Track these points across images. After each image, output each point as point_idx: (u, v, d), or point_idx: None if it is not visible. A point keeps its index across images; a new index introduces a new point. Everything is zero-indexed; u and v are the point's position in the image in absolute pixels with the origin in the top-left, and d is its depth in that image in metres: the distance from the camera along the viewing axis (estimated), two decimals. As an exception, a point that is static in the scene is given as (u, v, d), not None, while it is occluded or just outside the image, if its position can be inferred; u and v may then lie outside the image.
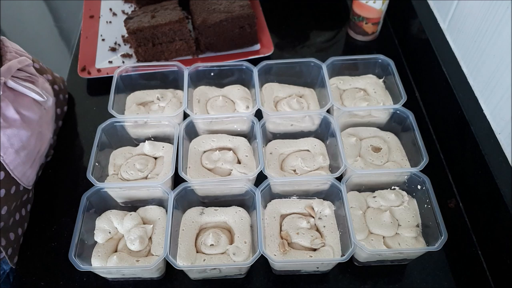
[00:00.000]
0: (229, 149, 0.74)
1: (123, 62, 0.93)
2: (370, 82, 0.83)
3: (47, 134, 0.73)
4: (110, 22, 1.02)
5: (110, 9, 1.05)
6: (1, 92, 0.60)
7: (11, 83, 0.63)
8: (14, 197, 0.66)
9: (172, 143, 0.73)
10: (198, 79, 0.83)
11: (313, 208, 0.68)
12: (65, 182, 0.76)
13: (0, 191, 0.62)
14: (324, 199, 0.69)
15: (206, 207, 0.69)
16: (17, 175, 0.65)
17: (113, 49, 0.96)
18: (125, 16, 0.99)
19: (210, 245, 0.63)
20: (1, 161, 0.62)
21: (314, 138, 0.76)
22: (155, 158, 0.75)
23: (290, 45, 1.00)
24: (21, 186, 0.68)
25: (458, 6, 0.78)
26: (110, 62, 0.93)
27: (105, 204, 0.69)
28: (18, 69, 0.65)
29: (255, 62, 0.83)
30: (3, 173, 0.63)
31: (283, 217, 0.68)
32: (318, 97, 0.82)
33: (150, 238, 0.65)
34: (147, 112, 0.80)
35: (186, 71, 0.80)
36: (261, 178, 0.68)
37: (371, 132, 0.77)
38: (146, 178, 0.71)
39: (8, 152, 0.63)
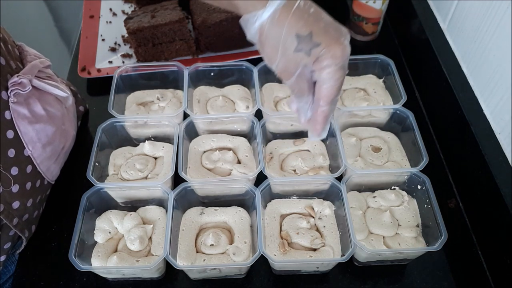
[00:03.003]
0: (229, 149, 0.74)
1: (123, 62, 0.93)
2: (370, 82, 0.83)
3: (71, 132, 0.75)
4: (110, 22, 1.02)
5: (110, 9, 1.05)
6: (30, 88, 0.62)
7: (35, 82, 0.65)
8: (39, 191, 0.68)
9: (172, 143, 0.73)
10: (198, 79, 0.83)
11: (313, 208, 0.68)
12: (65, 182, 0.76)
13: (26, 184, 0.64)
14: (324, 199, 0.69)
15: (206, 207, 0.69)
16: (42, 169, 0.67)
17: (113, 49, 0.96)
18: (125, 16, 0.99)
19: (210, 245, 0.63)
20: (30, 155, 0.65)
21: (314, 138, 0.76)
22: (155, 158, 0.75)
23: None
24: (45, 180, 0.70)
25: (458, 6, 0.78)
26: (110, 62, 0.93)
27: (105, 204, 0.69)
28: (39, 70, 0.67)
29: (255, 62, 0.83)
30: (30, 166, 0.65)
31: (283, 217, 0.68)
32: (318, 97, 0.82)
33: (150, 238, 0.65)
34: (147, 112, 0.80)
35: (186, 71, 0.80)
36: (261, 178, 0.68)
37: (371, 132, 0.77)
38: (146, 178, 0.71)
39: (36, 147, 0.65)
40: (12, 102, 0.61)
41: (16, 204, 0.62)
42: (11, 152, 0.61)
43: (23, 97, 0.63)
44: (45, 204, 0.72)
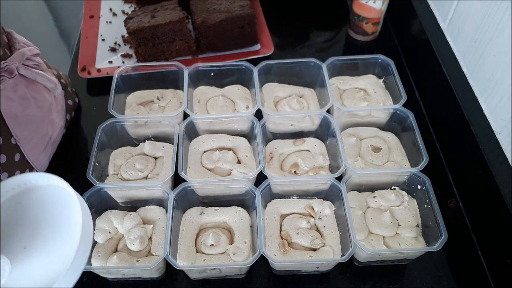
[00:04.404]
0: (229, 149, 0.74)
1: (123, 62, 0.93)
2: (370, 82, 0.83)
3: (59, 123, 0.75)
4: (110, 22, 1.02)
5: (110, 9, 1.05)
6: (16, 75, 0.62)
7: (22, 70, 0.64)
8: None
9: (172, 143, 0.73)
10: (198, 79, 0.83)
11: (313, 208, 0.68)
12: (65, 182, 0.76)
13: (15, 172, 0.64)
14: (324, 199, 0.69)
15: (206, 207, 0.69)
16: (30, 158, 0.67)
17: (113, 49, 0.96)
18: (125, 16, 0.99)
19: (210, 245, 0.63)
20: (17, 143, 0.64)
21: (314, 138, 0.76)
22: (155, 158, 0.75)
23: (290, 45, 1.00)
24: (34, 170, 0.69)
25: (458, 6, 0.78)
26: (110, 62, 0.93)
27: (105, 204, 0.69)
28: (27, 58, 0.67)
29: (255, 62, 0.83)
30: (18, 154, 0.65)
31: (283, 217, 0.68)
32: (318, 97, 0.82)
33: (150, 238, 0.65)
34: (147, 112, 0.80)
35: (186, 71, 0.80)
36: (261, 178, 0.68)
37: (371, 132, 0.77)
38: (146, 178, 0.71)
39: (23, 135, 0.65)
40: None
41: None
42: None
43: (10, 84, 0.62)
44: None
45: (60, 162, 0.79)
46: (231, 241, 0.65)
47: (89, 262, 0.62)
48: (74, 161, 0.79)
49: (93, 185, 0.67)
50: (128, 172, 0.71)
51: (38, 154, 0.69)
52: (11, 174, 0.63)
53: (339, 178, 0.67)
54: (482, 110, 0.71)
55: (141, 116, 0.77)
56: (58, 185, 0.51)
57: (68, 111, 0.81)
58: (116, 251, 0.65)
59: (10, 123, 0.63)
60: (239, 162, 0.73)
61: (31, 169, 0.68)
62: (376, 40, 0.99)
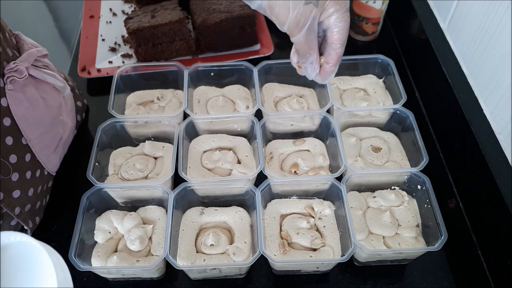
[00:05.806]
0: (229, 149, 0.74)
1: (123, 62, 0.93)
2: (370, 82, 0.83)
3: (69, 123, 0.75)
4: (110, 22, 1.02)
5: (110, 9, 1.05)
6: (26, 75, 0.62)
7: (32, 70, 0.64)
8: (39, 181, 0.67)
9: (172, 143, 0.73)
10: (198, 79, 0.83)
11: (313, 208, 0.68)
12: (65, 182, 0.76)
13: (26, 173, 0.64)
14: (324, 199, 0.69)
15: (206, 207, 0.69)
16: (41, 159, 0.67)
17: (113, 49, 0.96)
18: (125, 16, 0.99)
19: (210, 245, 0.63)
20: (28, 143, 0.64)
21: (314, 138, 0.76)
22: (155, 158, 0.75)
23: (290, 45, 0.99)
24: (45, 170, 0.69)
25: (458, 6, 0.78)
26: (110, 62, 0.93)
27: (105, 204, 0.69)
28: (36, 59, 0.67)
29: (255, 62, 0.83)
30: (29, 155, 0.65)
31: (283, 217, 0.68)
32: (318, 97, 0.82)
33: (150, 238, 0.65)
34: (147, 112, 0.80)
35: (186, 71, 0.80)
36: (261, 178, 0.68)
37: (371, 132, 0.77)
38: (146, 178, 0.71)
39: (33, 135, 0.65)
40: (8, 89, 0.61)
41: (16, 193, 0.62)
42: (9, 140, 0.61)
43: (20, 84, 0.62)
44: (48, 197, 0.72)
45: (61, 162, 0.79)
46: (231, 241, 0.65)
47: (89, 262, 0.63)
48: (74, 161, 0.79)
49: (93, 185, 0.67)
50: (128, 172, 0.71)
51: (49, 154, 0.69)
52: (22, 174, 0.63)
53: (339, 178, 0.67)
54: (482, 110, 0.71)
55: (141, 116, 0.77)
56: (23, 240, 0.44)
57: (79, 113, 0.82)
58: (116, 251, 0.65)
59: (20, 124, 0.63)
60: (239, 162, 0.73)
61: (42, 170, 0.68)
62: (376, 40, 0.99)
